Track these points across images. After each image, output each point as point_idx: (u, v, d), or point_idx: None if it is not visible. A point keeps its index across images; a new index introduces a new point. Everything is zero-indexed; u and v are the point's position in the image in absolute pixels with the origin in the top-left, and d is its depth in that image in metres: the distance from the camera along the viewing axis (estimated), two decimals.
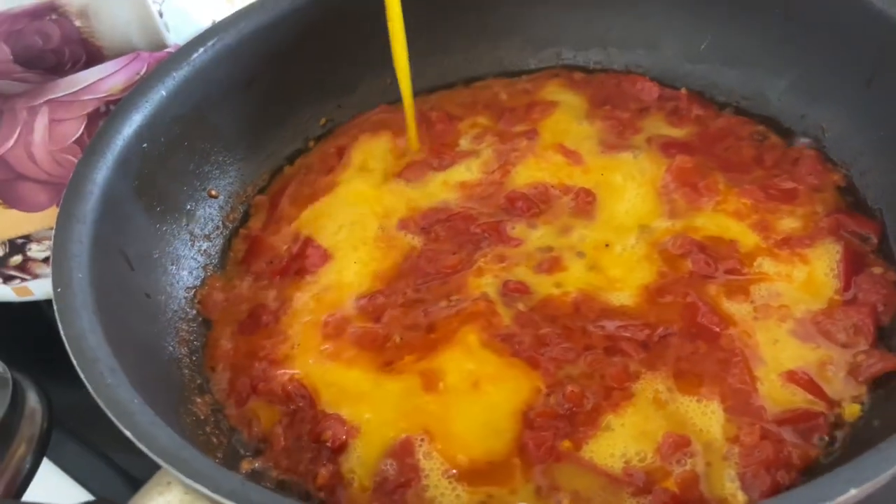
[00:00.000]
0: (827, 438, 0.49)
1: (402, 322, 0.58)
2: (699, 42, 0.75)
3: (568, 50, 0.81)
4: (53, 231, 0.52)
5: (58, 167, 0.64)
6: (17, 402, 0.60)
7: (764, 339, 0.54)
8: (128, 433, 0.39)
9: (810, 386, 0.51)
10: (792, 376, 0.51)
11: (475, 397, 0.52)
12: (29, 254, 0.69)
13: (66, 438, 0.70)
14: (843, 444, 0.48)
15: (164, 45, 0.59)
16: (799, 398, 0.51)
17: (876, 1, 0.60)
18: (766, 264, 0.58)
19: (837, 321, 0.54)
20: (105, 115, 0.64)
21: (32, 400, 0.62)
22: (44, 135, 0.63)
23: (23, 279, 0.71)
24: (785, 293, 0.56)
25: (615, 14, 0.78)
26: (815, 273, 0.57)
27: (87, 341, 0.45)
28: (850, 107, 0.66)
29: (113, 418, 0.40)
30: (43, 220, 0.67)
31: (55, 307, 0.47)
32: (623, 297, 0.58)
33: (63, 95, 0.63)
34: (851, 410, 0.50)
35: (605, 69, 0.79)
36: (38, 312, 0.79)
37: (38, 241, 0.68)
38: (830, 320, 0.54)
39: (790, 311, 0.55)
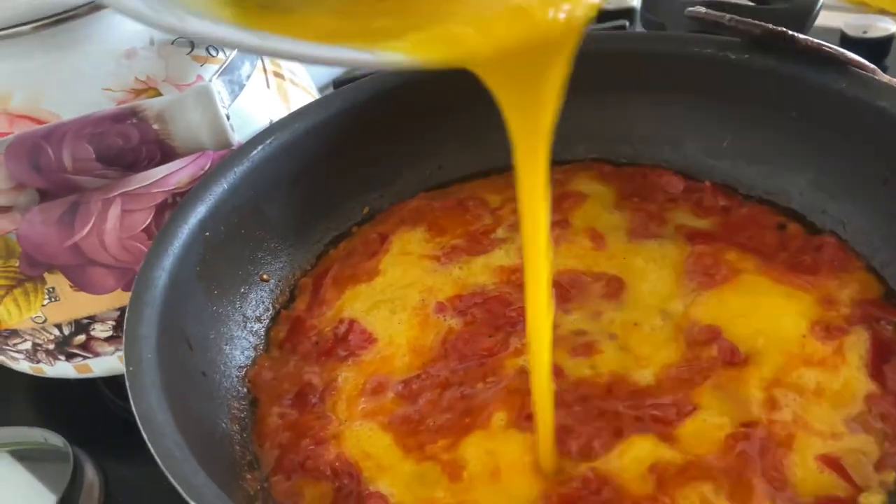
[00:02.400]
0: None
1: (438, 405, 0.61)
2: (720, 141, 0.79)
3: (596, 146, 0.86)
4: (126, 313, 0.57)
5: (126, 253, 0.70)
6: (76, 476, 0.64)
7: (797, 425, 0.55)
8: None
9: (841, 472, 0.52)
10: (825, 463, 0.53)
11: (498, 483, 0.55)
12: (92, 333, 0.74)
13: None
14: None
15: (230, 145, 0.64)
16: (830, 484, 0.52)
17: (889, 107, 0.64)
18: (799, 351, 0.60)
19: (867, 410, 0.55)
20: (171, 206, 0.70)
21: (90, 474, 0.66)
22: (115, 224, 0.69)
23: (84, 357, 0.75)
24: (816, 381, 0.58)
25: (640, 115, 0.83)
26: (848, 361, 0.59)
27: (156, 417, 0.49)
28: (868, 204, 0.69)
29: (182, 492, 0.43)
30: (108, 301, 0.72)
31: (127, 384, 0.51)
32: (647, 375, 0.60)
33: (135, 189, 0.69)
34: (871, 500, 0.51)
35: (632, 163, 0.84)
36: (94, 389, 0.84)
37: (102, 321, 0.73)
38: (860, 409, 0.56)
39: (821, 397, 0.57)
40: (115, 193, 0.68)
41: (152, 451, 0.46)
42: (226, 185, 0.70)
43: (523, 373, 0.62)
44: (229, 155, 0.72)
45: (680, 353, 0.62)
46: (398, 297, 0.71)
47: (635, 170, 0.82)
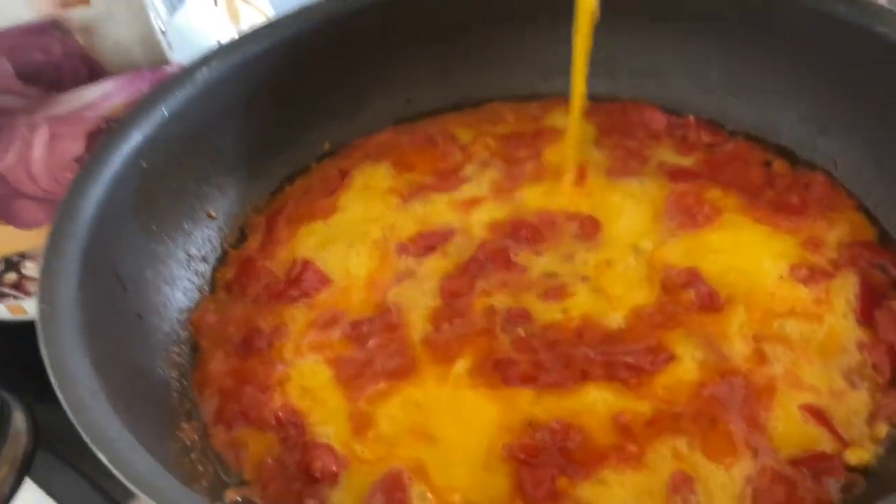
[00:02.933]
0: (843, 481, 0.46)
1: (387, 349, 0.57)
2: (708, 72, 0.74)
3: None
4: (45, 246, 0.51)
5: (56, 185, 0.64)
6: (2, 421, 0.59)
7: (779, 375, 0.51)
8: (103, 458, 0.38)
9: (827, 425, 0.48)
10: (808, 415, 0.49)
11: (459, 432, 0.51)
12: (24, 271, 0.68)
13: (51, 460, 0.68)
14: (860, 488, 0.46)
15: (165, 62, 0.58)
16: (814, 438, 0.48)
17: (890, 33, 0.59)
18: (778, 295, 0.56)
19: (855, 360, 0.51)
20: (105, 133, 0.63)
21: (18, 420, 0.60)
22: (43, 151, 0.62)
23: (16, 297, 0.70)
24: (798, 328, 0.54)
25: (624, 45, 0.77)
26: (835, 307, 0.55)
27: (68, 362, 0.44)
28: (862, 138, 0.64)
29: (89, 442, 0.39)
30: (39, 237, 0.65)
31: (39, 325, 0.46)
32: (618, 318, 0.56)
33: (63, 112, 0.62)
34: (859, 454, 0.47)
35: (613, 97, 0.78)
36: (29, 332, 0.78)
37: (34, 258, 0.67)
38: (848, 359, 0.52)
39: (807, 347, 0.53)
40: (41, 117, 0.62)
41: (60, 397, 0.41)
42: (166, 111, 0.63)
43: (493, 313, 0.57)
44: (170, 77, 0.65)
45: (655, 295, 0.57)
46: (357, 232, 0.65)
47: (615, 105, 0.77)
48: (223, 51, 0.68)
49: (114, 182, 0.57)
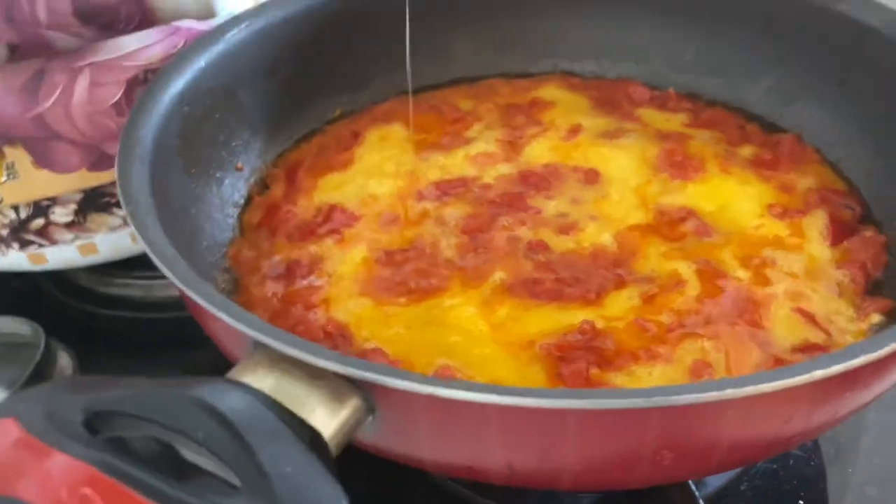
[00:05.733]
0: None
1: (424, 273, 0.62)
2: (684, 54, 0.83)
3: (564, 61, 0.88)
4: (116, 162, 0.54)
5: (93, 129, 0.66)
6: (48, 362, 0.61)
7: (779, 291, 0.59)
8: (222, 315, 0.42)
9: (816, 324, 0.56)
10: (800, 316, 0.57)
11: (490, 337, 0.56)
12: (52, 217, 0.70)
13: None
14: None
15: (212, 14, 0.62)
16: (808, 335, 0.56)
17: (851, 10, 0.69)
18: (760, 230, 0.65)
19: (836, 276, 0.60)
20: (143, 82, 0.67)
21: (63, 359, 0.63)
22: (83, 96, 0.65)
23: (40, 245, 0.71)
24: (786, 256, 0.62)
25: (607, 30, 0.86)
26: (810, 237, 0.64)
27: (163, 247, 0.48)
28: (824, 106, 0.74)
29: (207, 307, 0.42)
30: (72, 181, 0.68)
31: (129, 219, 0.50)
32: (609, 237, 0.64)
33: (105, 59, 0.66)
34: None
35: (598, 77, 0.86)
36: (77, 288, 0.79)
37: (63, 204, 0.69)
38: (830, 276, 0.60)
39: (794, 267, 0.61)
40: (84, 63, 0.65)
41: (169, 276, 0.45)
42: (203, 63, 0.67)
43: (516, 240, 0.63)
44: (205, 34, 0.69)
45: (650, 216, 0.66)
46: (375, 168, 0.72)
47: (601, 82, 0.85)
48: (251, 14, 0.73)
49: (164, 120, 0.61)
